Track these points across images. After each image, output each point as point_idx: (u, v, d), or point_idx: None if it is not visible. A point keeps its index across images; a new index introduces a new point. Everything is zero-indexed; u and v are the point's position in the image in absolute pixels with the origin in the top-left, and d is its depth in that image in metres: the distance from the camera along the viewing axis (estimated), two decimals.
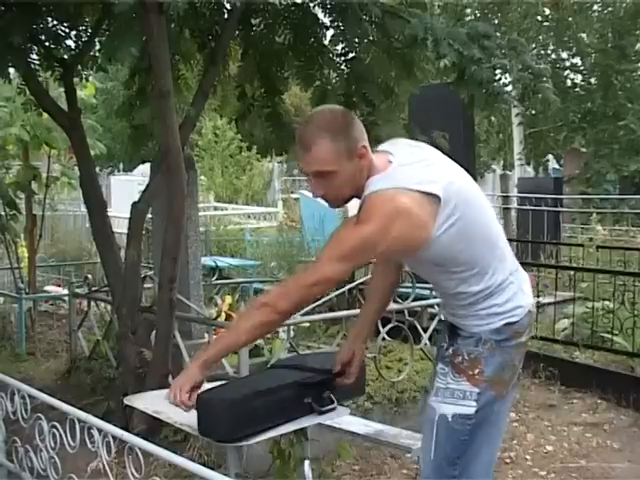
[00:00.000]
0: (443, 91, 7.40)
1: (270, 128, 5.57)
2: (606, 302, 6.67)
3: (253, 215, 15.91)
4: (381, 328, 5.29)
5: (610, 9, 15.73)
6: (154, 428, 4.36)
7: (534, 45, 15.83)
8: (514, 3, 13.85)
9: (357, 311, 5.89)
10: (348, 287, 6.24)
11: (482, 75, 4.76)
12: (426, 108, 7.59)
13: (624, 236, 13.33)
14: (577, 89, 16.18)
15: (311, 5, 5.20)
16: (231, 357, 5.09)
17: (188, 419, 2.65)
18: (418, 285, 5.38)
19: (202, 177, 19.89)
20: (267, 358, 5.55)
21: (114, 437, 2.74)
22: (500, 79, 4.93)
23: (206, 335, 5.45)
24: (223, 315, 5.80)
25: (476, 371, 2.56)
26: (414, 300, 5.48)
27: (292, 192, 19.27)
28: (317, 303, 5.53)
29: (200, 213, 15.04)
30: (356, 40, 5.19)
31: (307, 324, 6.39)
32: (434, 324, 5.55)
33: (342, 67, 5.37)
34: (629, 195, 15.81)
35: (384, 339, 5.43)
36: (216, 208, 17.11)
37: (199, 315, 5.32)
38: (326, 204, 2.62)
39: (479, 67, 4.77)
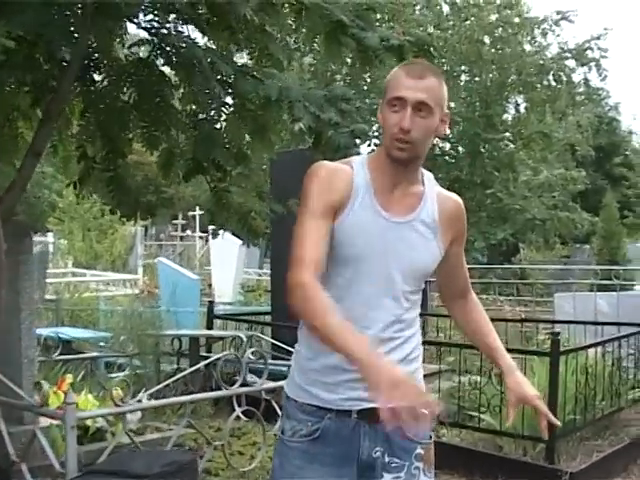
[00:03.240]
0: (304, 156, 7.11)
1: (112, 193, 5.10)
2: (474, 377, 6.42)
3: (113, 282, 15.24)
4: (236, 406, 4.91)
5: (477, 79, 16.04)
6: None
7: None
8: (382, 69, 13.92)
9: (208, 394, 5.54)
10: (203, 363, 5.80)
11: (339, 140, 4.48)
12: (286, 174, 7.26)
13: (491, 305, 13.33)
14: (445, 157, 16.34)
15: (158, 61, 4.82)
16: (60, 445, 4.59)
17: None
18: (272, 362, 5.06)
19: (62, 241, 19.09)
20: (109, 442, 5.02)
21: None
22: (361, 144, 4.66)
23: (41, 420, 4.90)
24: (58, 397, 5.23)
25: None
26: (269, 376, 5.11)
27: (157, 257, 18.68)
28: (170, 380, 5.13)
29: (55, 280, 14.49)
30: (206, 100, 4.84)
31: None
32: None
33: (191, 129, 4.99)
34: (496, 265, 16.02)
35: (238, 418, 5.04)
36: (74, 274, 16.34)
37: (24, 401, 4.73)
38: (398, 154, 2.26)
39: (336, 132, 4.50)
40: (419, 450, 2.34)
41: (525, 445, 5.90)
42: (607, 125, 30.67)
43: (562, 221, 17.19)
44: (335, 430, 2.28)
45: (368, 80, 15.51)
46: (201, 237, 23.24)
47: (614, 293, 10.22)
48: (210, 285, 15.64)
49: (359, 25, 4.81)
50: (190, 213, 24.37)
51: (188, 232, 25.90)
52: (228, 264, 14.84)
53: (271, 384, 5.14)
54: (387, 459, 2.30)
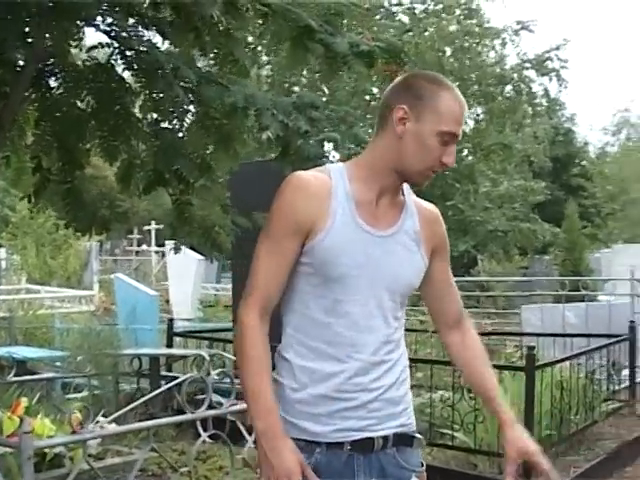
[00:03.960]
0: (266, 168, 6.90)
1: (68, 207, 4.82)
2: (445, 394, 6.23)
3: (68, 299, 14.85)
4: (201, 431, 4.67)
5: None
6: None
7: (362, 124, 15.80)
8: (342, 81, 13.80)
9: (174, 419, 5.28)
10: (168, 385, 5.56)
11: (309, 150, 4.28)
12: (247, 187, 7.03)
13: None
14: None
15: (117, 67, 4.56)
16: (16, 474, 4.34)
17: None
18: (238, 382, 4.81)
19: (14, 256, 18.68)
20: (68, 469, 4.76)
21: None
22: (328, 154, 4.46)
23: None
24: (13, 423, 4.94)
25: None
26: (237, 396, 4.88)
27: (112, 273, 18.32)
28: (133, 405, 4.89)
29: (8, 297, 14.08)
30: (168, 108, 4.60)
31: None
32: None
33: (152, 139, 4.74)
34: (458, 277, 15.87)
35: (203, 441, 4.80)
36: (29, 290, 15.91)
37: None
38: (423, 182, 2.21)
39: (306, 140, 4.29)
40: (414, 479, 2.20)
41: (500, 463, 5.73)
42: (563, 136, 30.91)
43: (523, 232, 17.23)
44: (326, 465, 2.09)
45: (326, 91, 15.41)
46: (157, 252, 22.90)
47: (582, 304, 10.14)
48: (168, 301, 15.32)
49: (327, 30, 4.62)
50: (146, 227, 24.03)
51: (144, 247, 25.56)
52: (186, 279, 14.54)
53: (239, 406, 4.91)
54: None
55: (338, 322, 2.10)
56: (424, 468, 2.26)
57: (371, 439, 2.11)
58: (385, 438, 2.14)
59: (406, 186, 2.26)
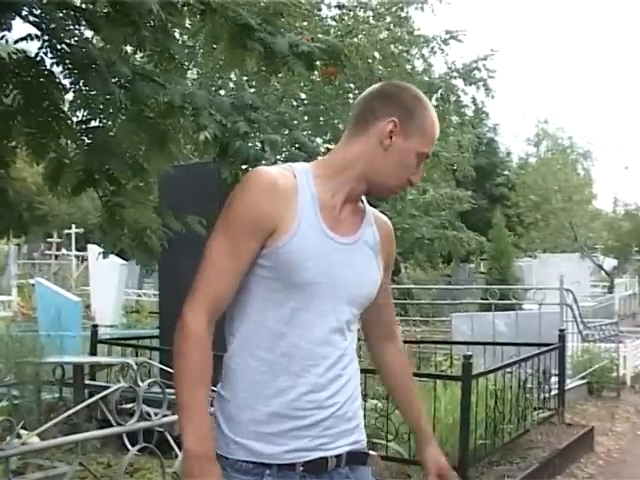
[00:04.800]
0: (200, 171, 6.71)
1: None
2: (379, 403, 6.13)
3: None
4: (129, 445, 4.44)
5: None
6: None
7: (287, 131, 15.68)
8: (271, 86, 13.64)
9: (102, 432, 5.02)
10: (97, 397, 5.31)
11: (248, 152, 4.12)
12: (180, 190, 6.81)
13: None
14: None
15: (47, 61, 4.31)
16: None
17: None
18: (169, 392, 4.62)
19: None
20: None
21: None
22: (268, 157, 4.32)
23: None
24: None
25: None
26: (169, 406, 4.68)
27: (31, 277, 17.79)
28: (58, 419, 4.65)
29: None
30: (100, 106, 4.37)
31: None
32: None
33: (82, 137, 4.50)
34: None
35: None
36: None
37: None
38: (391, 195, 2.25)
39: (245, 142, 4.13)
40: None
41: None
42: (486, 146, 31.33)
43: (449, 240, 17.31)
44: None
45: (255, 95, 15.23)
46: (77, 256, 22.40)
47: (512, 313, 10.22)
48: (89, 306, 14.93)
49: (267, 29, 4.48)
50: (66, 231, 23.49)
51: (63, 250, 25.00)
52: (109, 284, 14.18)
53: (168, 418, 4.70)
54: None
55: (295, 332, 1.96)
56: None
57: (324, 459, 1.99)
58: (338, 457, 2.02)
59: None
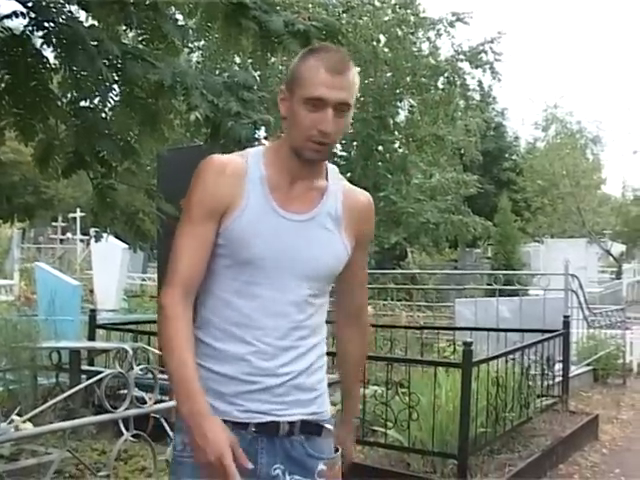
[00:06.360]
0: (196, 153, 6.59)
1: None
2: (378, 389, 6.04)
3: None
4: (124, 430, 4.39)
5: (371, 79, 15.77)
6: None
7: None
8: (274, 68, 13.54)
9: (94, 418, 4.95)
10: (87, 383, 5.23)
11: (241, 132, 4.03)
12: (176, 173, 6.68)
13: (388, 312, 13.08)
14: (337, 158, 16.07)
15: (35, 39, 4.20)
16: None
17: None
18: (161, 377, 4.57)
19: None
20: None
21: None
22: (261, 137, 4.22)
23: None
24: None
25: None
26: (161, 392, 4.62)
27: (36, 261, 17.75)
28: (51, 402, 4.58)
29: None
30: (90, 86, 4.26)
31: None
32: None
33: (72, 118, 4.40)
34: (389, 269, 15.84)
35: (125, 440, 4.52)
36: None
37: None
38: (314, 155, 2.12)
39: (237, 122, 4.04)
40: (321, 467, 2.19)
41: (434, 462, 5.61)
42: (494, 130, 31.11)
43: (455, 224, 17.20)
44: None
45: (258, 78, 15.11)
46: (82, 240, 22.37)
47: (515, 298, 10.11)
48: (92, 291, 14.87)
49: (261, 8, 4.37)
50: (71, 215, 23.44)
51: (69, 235, 24.97)
52: (111, 269, 14.11)
53: (162, 404, 4.63)
54: (287, 477, 2.14)
55: (248, 305, 2.10)
56: (337, 454, 2.26)
57: (276, 423, 2.11)
58: (292, 424, 2.14)
59: (333, 170, 2.25)
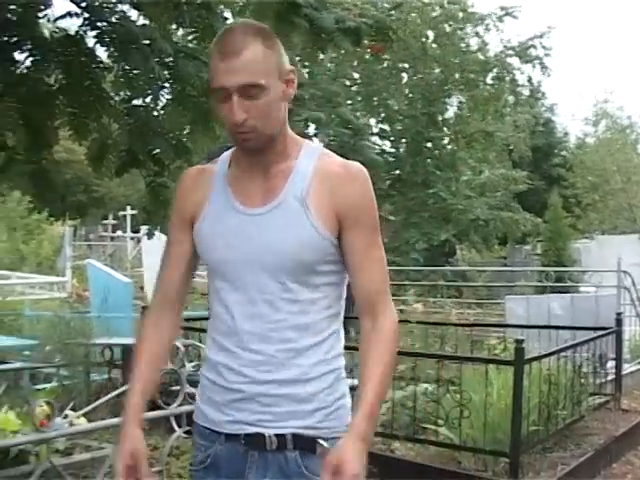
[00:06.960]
0: None
1: (35, 188, 4.53)
2: (429, 387, 6.02)
3: (39, 285, 14.54)
4: (176, 427, 4.41)
5: (420, 76, 15.72)
6: None
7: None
8: (323, 66, 13.57)
9: (145, 415, 4.99)
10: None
11: (292, 129, 4.02)
12: None
13: (432, 307, 13.03)
14: (385, 155, 16.02)
15: (88, 39, 4.26)
16: None
17: None
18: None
19: None
20: (33, 466, 4.50)
21: None
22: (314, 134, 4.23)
23: None
24: None
25: None
26: None
27: (87, 259, 18.01)
28: (103, 400, 4.65)
29: None
30: (143, 84, 4.32)
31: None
32: None
33: (125, 117, 4.46)
34: (438, 266, 15.78)
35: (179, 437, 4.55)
36: None
37: None
38: (245, 145, 1.98)
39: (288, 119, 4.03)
40: None
41: (486, 460, 5.57)
42: (544, 126, 30.80)
43: (505, 221, 17.08)
44: (227, 457, 2.01)
45: (307, 76, 15.14)
46: (132, 238, 22.61)
47: (567, 295, 10.00)
48: (142, 288, 15.02)
49: (312, 5, 4.38)
50: (121, 213, 23.71)
51: (119, 232, 25.25)
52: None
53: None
54: None
55: (225, 311, 2.03)
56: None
57: (262, 435, 1.97)
58: (281, 437, 1.96)
59: (309, 148, 2.07)
